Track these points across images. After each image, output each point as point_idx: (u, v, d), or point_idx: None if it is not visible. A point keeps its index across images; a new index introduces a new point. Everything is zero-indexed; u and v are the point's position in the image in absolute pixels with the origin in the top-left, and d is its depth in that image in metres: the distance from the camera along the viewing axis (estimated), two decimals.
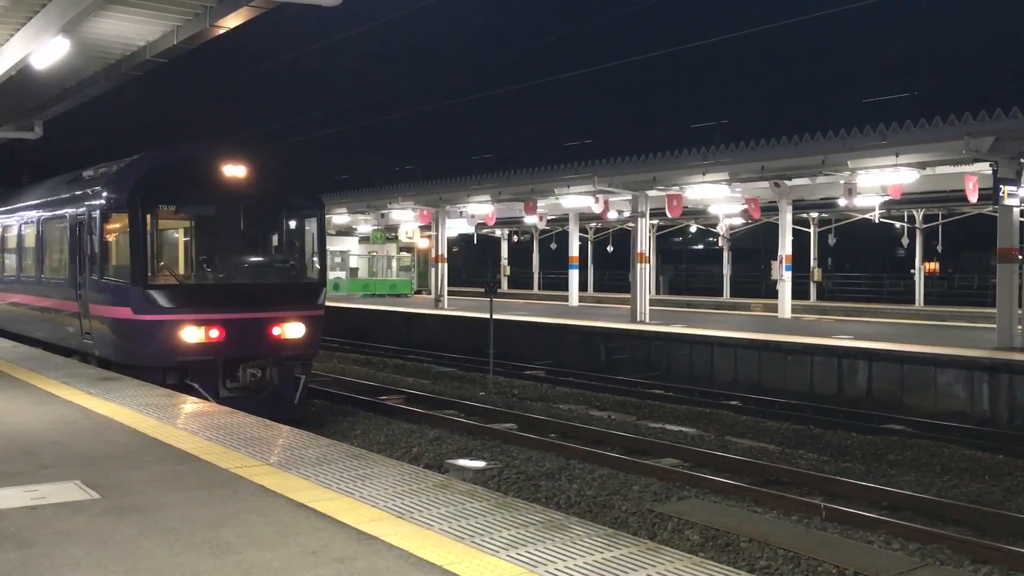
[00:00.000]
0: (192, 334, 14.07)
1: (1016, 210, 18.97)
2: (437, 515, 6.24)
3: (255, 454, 8.14)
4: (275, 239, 16.15)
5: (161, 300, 14.15)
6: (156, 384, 12.69)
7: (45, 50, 14.17)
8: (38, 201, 19.57)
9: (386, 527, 5.94)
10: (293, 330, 14.92)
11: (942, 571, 9.30)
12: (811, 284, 40.61)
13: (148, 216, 14.31)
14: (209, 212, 15.12)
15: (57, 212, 17.70)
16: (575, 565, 5.26)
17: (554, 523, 6.12)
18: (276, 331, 14.72)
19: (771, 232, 34.38)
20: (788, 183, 24.64)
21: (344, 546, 5.58)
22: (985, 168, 20.09)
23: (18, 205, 21.34)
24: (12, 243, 21.71)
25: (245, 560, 5.31)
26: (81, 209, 15.95)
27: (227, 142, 19.43)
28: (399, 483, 7.14)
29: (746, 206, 28.92)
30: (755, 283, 49.19)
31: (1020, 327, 19.06)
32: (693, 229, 50.74)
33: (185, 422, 9.70)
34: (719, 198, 28.92)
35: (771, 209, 30.34)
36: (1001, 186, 18.35)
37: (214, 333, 14.18)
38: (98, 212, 15.11)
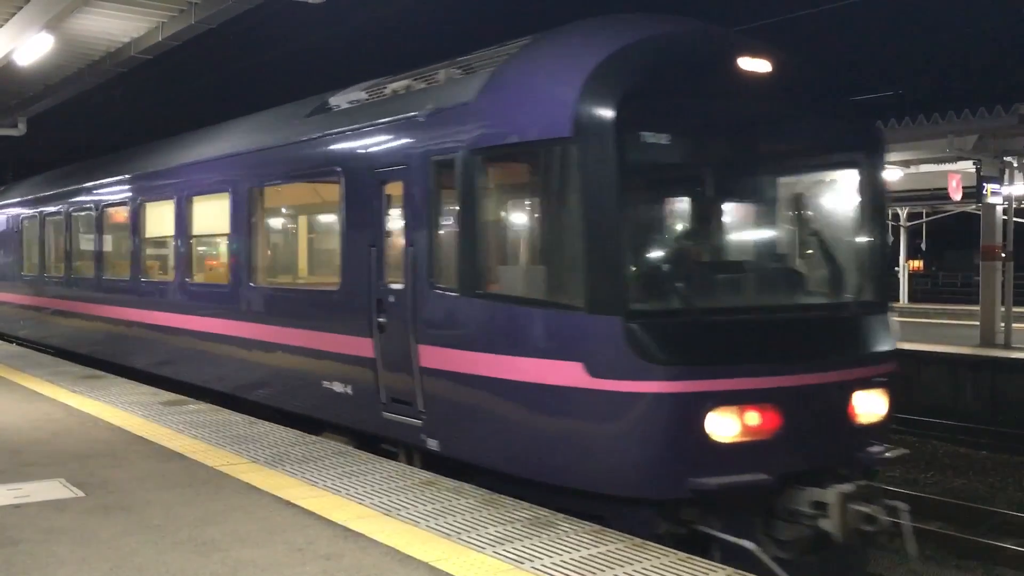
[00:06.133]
0: (725, 425, 6.57)
1: (999, 208, 19.10)
2: (424, 512, 6.24)
3: (241, 452, 8.13)
4: (825, 214, 8.32)
5: (663, 350, 6.56)
6: (642, 534, 6.13)
7: (28, 46, 14.08)
8: (246, 149, 11.29)
9: (373, 524, 5.94)
10: (873, 404, 7.30)
11: (926, 566, 9.36)
12: None
13: (625, 154, 6.74)
14: (729, 152, 7.74)
15: (305, 166, 10.01)
16: (561, 561, 5.27)
17: (541, 520, 6.14)
18: (855, 408, 7.18)
19: None
20: None
21: (330, 543, 5.58)
22: (968, 167, 20.22)
23: (191, 160, 12.73)
24: (169, 224, 12.80)
25: (231, 557, 5.30)
26: (393, 153, 8.48)
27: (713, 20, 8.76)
28: (385, 480, 7.14)
29: None
30: None
31: (1003, 325, 19.19)
32: None
33: (170, 420, 9.66)
34: None
35: None
36: (984, 184, 18.48)
37: (757, 420, 6.66)
38: (463, 153, 7.57)
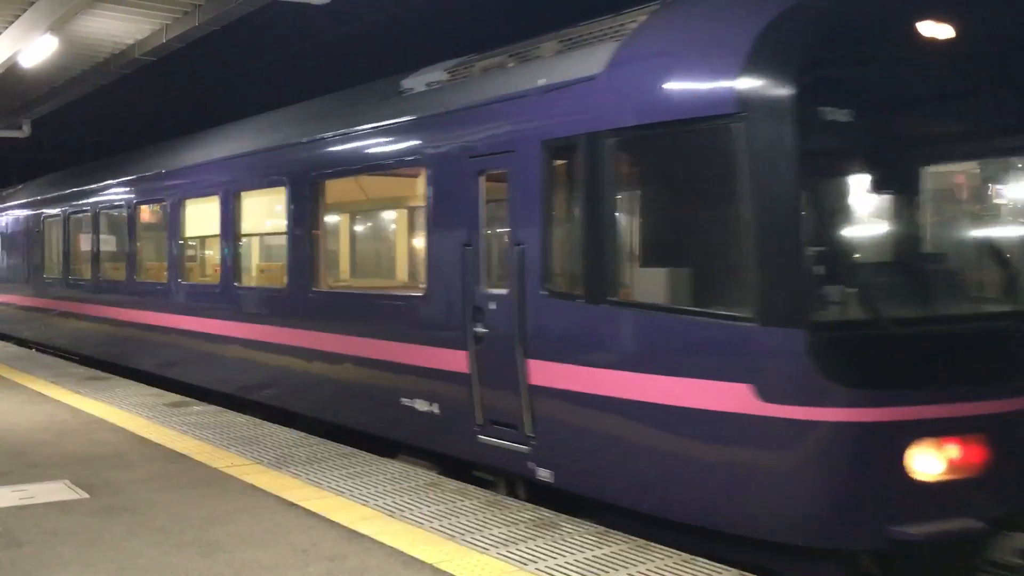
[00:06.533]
0: (929, 460, 5.52)
1: None
2: (428, 513, 6.24)
3: (246, 453, 8.14)
4: (1015, 204, 7.02)
5: (855, 369, 5.53)
6: None
7: (33, 48, 14.11)
8: (304, 138, 10.02)
9: (377, 525, 5.94)
10: None
11: None
12: None
13: (805, 134, 5.63)
14: (925, 131, 6.47)
15: (379, 155, 8.86)
16: (565, 563, 5.27)
17: (544, 521, 6.14)
18: None
19: None
20: None
21: (335, 544, 5.58)
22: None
23: (238, 152, 11.47)
24: (213, 223, 11.63)
25: (235, 559, 5.31)
26: (494, 137, 7.36)
27: None
28: (389, 482, 7.14)
29: None
30: None
31: None
32: None
33: (175, 422, 9.67)
34: None
35: None
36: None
37: (966, 454, 5.60)
38: (587, 135, 6.49)
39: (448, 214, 7.77)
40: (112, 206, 15.16)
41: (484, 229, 7.44)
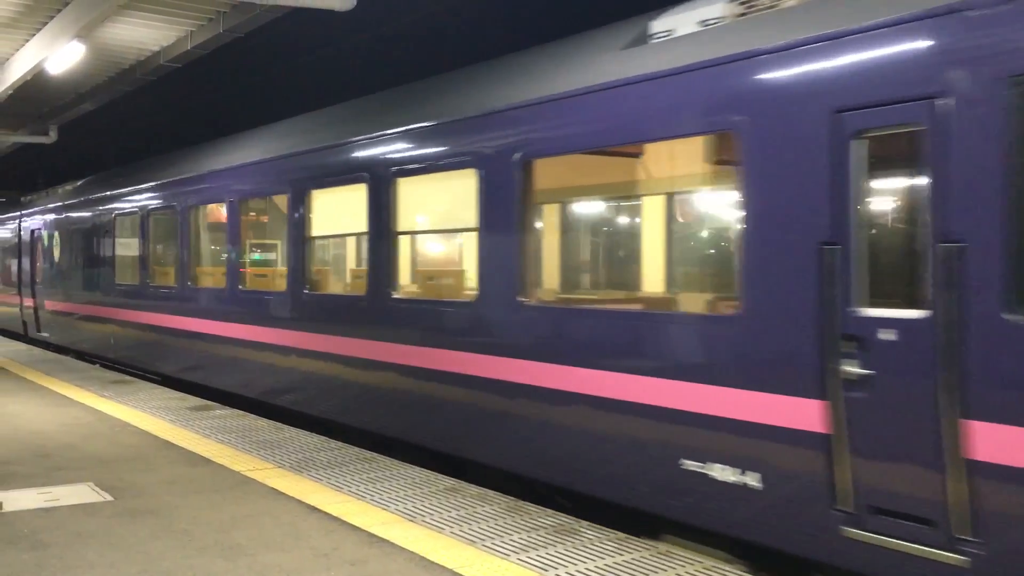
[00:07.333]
0: None
1: None
2: (448, 518, 6.25)
3: (267, 457, 8.18)
4: None
5: None
6: None
7: (60, 55, 14.27)
8: (501, 106, 7.57)
9: (397, 530, 5.95)
10: None
11: None
12: None
13: None
14: None
15: (635, 120, 6.41)
16: (586, 569, 5.26)
17: (565, 527, 6.13)
18: None
19: None
20: None
21: (356, 549, 5.60)
22: None
23: (399, 129, 8.80)
24: (355, 218, 9.49)
25: (257, 562, 5.33)
26: (895, 77, 4.90)
27: None
28: (410, 486, 7.16)
29: None
30: None
31: None
32: None
33: (198, 425, 9.74)
34: None
35: None
36: None
37: None
38: None
39: (787, 198, 5.43)
40: (209, 200, 12.72)
41: (863, 218, 5.17)
